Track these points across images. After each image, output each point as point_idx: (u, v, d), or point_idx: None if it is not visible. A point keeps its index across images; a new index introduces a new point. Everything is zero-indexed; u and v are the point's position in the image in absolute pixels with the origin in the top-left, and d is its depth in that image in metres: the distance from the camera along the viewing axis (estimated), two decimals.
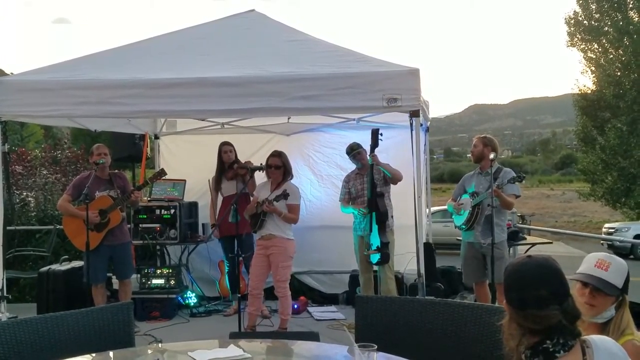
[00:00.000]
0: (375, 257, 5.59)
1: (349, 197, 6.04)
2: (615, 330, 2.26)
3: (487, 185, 5.16)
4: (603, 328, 2.29)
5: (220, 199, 6.64)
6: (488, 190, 5.09)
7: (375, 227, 5.58)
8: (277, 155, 5.59)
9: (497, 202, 5.12)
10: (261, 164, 5.63)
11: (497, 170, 5.34)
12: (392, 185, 5.88)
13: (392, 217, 5.84)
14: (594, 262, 2.35)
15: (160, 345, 4.63)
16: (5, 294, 5.04)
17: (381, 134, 5.61)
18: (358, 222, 5.91)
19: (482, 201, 5.25)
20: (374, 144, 5.58)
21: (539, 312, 1.75)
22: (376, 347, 2.26)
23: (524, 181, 5.44)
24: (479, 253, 5.39)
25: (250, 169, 5.99)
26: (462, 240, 5.61)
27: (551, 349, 1.75)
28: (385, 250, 5.53)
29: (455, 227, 5.69)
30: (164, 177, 5.99)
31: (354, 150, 5.94)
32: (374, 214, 5.60)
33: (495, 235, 5.15)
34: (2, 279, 4.98)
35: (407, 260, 6.20)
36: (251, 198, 5.81)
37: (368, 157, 5.69)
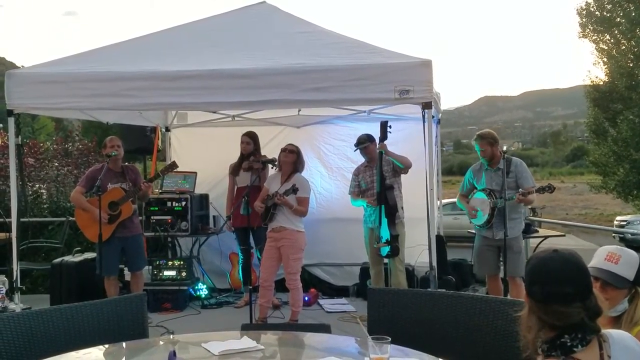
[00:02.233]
0: (385, 250, 5.58)
1: (358, 190, 6.02)
2: (627, 323, 2.25)
3: (501, 182, 5.17)
4: (616, 321, 2.27)
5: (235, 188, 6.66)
6: (512, 199, 5.11)
7: (384, 220, 5.57)
8: (293, 145, 5.66)
9: (514, 195, 5.14)
10: (274, 158, 5.63)
11: (508, 164, 5.29)
12: (402, 177, 5.85)
13: (402, 208, 5.82)
14: (604, 256, 2.33)
15: (172, 336, 4.66)
16: (19, 285, 5.09)
17: (390, 127, 5.57)
18: (368, 215, 5.90)
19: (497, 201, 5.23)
20: (383, 136, 5.55)
21: (563, 308, 1.74)
22: (390, 339, 2.26)
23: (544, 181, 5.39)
24: (493, 246, 5.37)
25: (263, 162, 6.00)
26: (476, 233, 5.59)
27: (569, 344, 1.74)
28: (394, 243, 5.52)
29: (471, 222, 5.64)
30: (175, 170, 6.01)
31: (360, 144, 5.90)
32: (382, 207, 5.58)
33: (514, 229, 5.20)
34: (16, 271, 5.02)
35: (418, 252, 6.19)
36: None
37: (377, 148, 5.65)
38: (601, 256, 2.34)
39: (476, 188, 5.51)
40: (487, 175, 5.40)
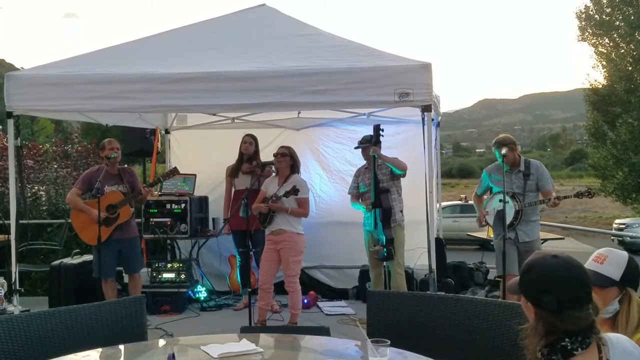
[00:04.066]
0: (381, 253, 5.58)
1: (357, 192, 6.02)
2: (623, 325, 2.23)
3: (522, 185, 5.26)
4: (613, 324, 2.27)
5: (232, 190, 6.65)
6: (536, 203, 5.25)
7: (379, 224, 5.57)
8: (285, 147, 5.66)
9: (536, 198, 5.29)
10: (273, 160, 5.63)
11: (527, 166, 5.34)
12: (402, 180, 5.84)
13: (401, 212, 5.80)
14: (593, 257, 2.34)
15: (171, 339, 4.66)
16: (17, 287, 5.08)
17: (382, 130, 5.60)
18: (366, 218, 5.90)
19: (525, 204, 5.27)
20: (376, 139, 5.57)
21: (577, 313, 1.72)
22: (389, 342, 2.25)
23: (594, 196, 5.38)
24: (514, 248, 5.33)
25: (262, 164, 6.00)
26: (497, 234, 5.48)
27: (569, 347, 1.73)
28: (389, 246, 5.51)
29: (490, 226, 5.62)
30: (176, 175, 6.01)
31: (361, 144, 5.89)
32: (377, 210, 5.58)
33: (533, 231, 5.35)
34: (15, 273, 5.01)
35: (417, 255, 6.19)
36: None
37: (370, 152, 5.65)
38: (591, 257, 2.35)
39: (492, 190, 5.53)
40: (506, 177, 5.30)
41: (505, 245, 5.38)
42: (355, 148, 6.03)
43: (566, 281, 1.75)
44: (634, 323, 2.23)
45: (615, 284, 2.26)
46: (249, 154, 6.48)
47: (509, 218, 5.25)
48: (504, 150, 5.21)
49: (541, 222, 5.80)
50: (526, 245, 5.29)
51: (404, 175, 5.72)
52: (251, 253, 6.50)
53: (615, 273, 2.27)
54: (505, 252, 5.11)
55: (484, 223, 5.61)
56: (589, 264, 2.30)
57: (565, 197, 5.30)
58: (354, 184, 6.10)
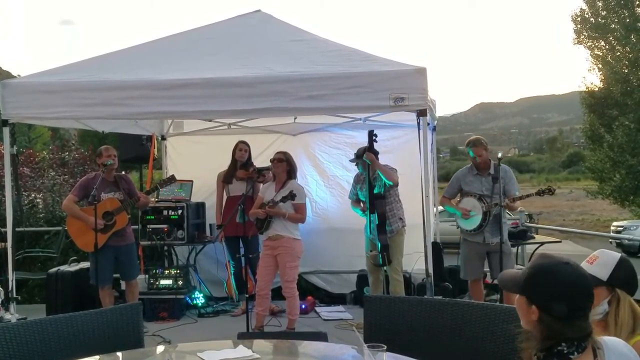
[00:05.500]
0: (378, 259, 5.59)
1: (357, 198, 6.03)
2: (612, 326, 2.23)
3: (491, 187, 5.32)
4: (605, 326, 2.26)
5: (225, 197, 6.64)
6: (503, 203, 5.25)
7: (374, 230, 5.57)
8: (281, 152, 5.66)
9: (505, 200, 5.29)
10: (270, 165, 5.64)
11: (496, 169, 5.39)
12: (400, 183, 5.82)
13: (400, 219, 5.80)
14: (587, 259, 2.35)
15: (169, 346, 4.64)
16: (14, 295, 5.07)
17: (375, 135, 5.62)
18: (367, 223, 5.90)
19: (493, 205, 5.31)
20: (370, 145, 5.58)
21: (583, 322, 1.73)
22: (385, 347, 2.25)
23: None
24: (482, 251, 5.46)
25: (258, 169, 6.00)
26: (463, 238, 5.64)
27: (565, 351, 1.73)
28: (383, 252, 5.52)
29: (459, 228, 5.66)
30: (173, 182, 6.01)
31: (357, 158, 5.86)
32: (372, 216, 5.58)
33: (504, 232, 5.37)
34: (12, 280, 5.00)
35: (414, 260, 6.18)
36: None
37: (364, 157, 5.64)
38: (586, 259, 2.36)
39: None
40: (477, 180, 5.49)
41: (472, 251, 5.48)
42: (351, 161, 6.04)
43: (578, 291, 1.75)
44: (627, 326, 2.21)
45: (603, 284, 2.26)
46: (242, 161, 6.49)
47: (478, 221, 5.38)
48: (500, 154, 5.27)
49: (539, 225, 5.86)
50: (495, 247, 5.35)
51: (395, 186, 5.71)
52: (250, 257, 6.49)
53: (602, 273, 2.27)
54: (502, 255, 5.16)
55: (472, 213, 5.47)
56: (582, 265, 2.31)
57: (527, 196, 5.41)
58: (353, 189, 6.10)
